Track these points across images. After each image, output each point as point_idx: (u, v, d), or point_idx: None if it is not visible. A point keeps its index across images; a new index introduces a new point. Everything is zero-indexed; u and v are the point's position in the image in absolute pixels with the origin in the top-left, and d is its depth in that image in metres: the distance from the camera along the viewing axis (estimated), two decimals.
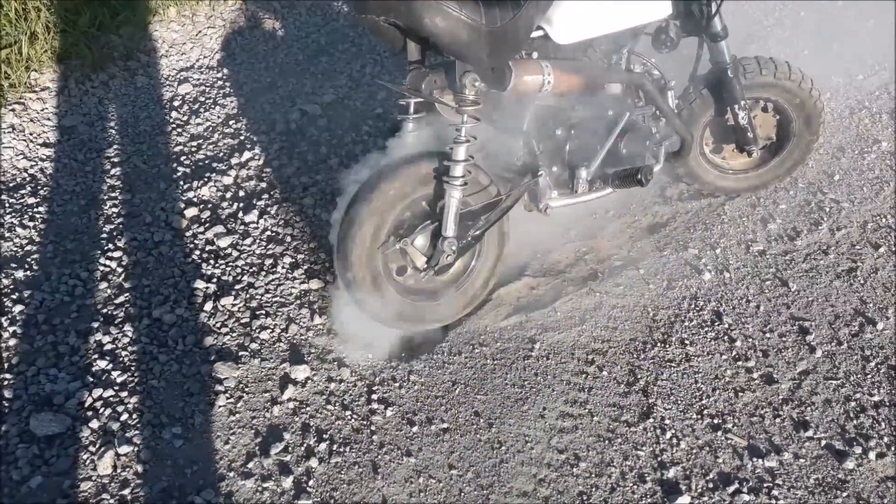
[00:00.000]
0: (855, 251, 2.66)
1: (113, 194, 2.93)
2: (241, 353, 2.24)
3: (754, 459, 2.00)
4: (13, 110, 3.37)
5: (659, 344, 2.34)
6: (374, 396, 2.14)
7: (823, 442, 2.05)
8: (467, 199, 2.20)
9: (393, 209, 2.13)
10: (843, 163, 3.04)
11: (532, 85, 2.05)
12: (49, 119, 3.36)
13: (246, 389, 2.13)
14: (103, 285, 2.49)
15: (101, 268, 2.56)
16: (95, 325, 2.32)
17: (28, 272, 2.53)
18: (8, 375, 2.14)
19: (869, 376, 2.24)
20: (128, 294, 2.45)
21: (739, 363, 2.28)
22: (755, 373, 2.25)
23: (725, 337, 2.37)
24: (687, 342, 2.35)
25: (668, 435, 2.06)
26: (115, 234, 2.71)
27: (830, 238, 2.72)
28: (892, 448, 2.03)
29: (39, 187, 2.97)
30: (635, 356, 2.30)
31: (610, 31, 2.18)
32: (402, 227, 2.21)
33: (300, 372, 2.18)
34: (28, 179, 3.01)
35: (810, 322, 2.41)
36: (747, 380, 2.23)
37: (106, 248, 2.64)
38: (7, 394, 2.09)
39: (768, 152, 2.81)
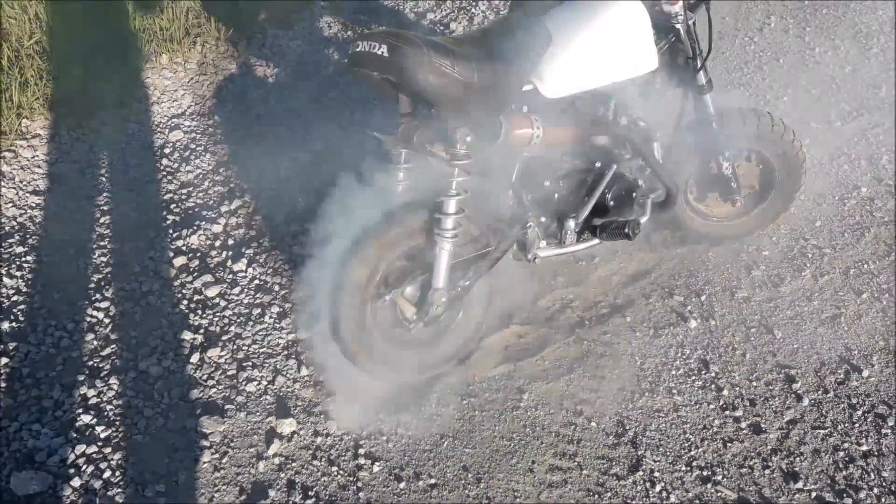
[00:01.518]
0: (838, 297, 2.69)
1: (102, 243, 2.93)
2: (226, 407, 2.23)
3: None
4: (3, 158, 3.39)
5: (647, 393, 2.34)
6: (361, 451, 2.13)
7: (814, 493, 2.05)
8: (457, 251, 2.21)
9: (383, 261, 2.14)
10: (825, 209, 3.08)
11: (522, 138, 2.09)
12: (39, 167, 3.37)
13: (231, 444, 2.12)
14: (90, 337, 2.48)
15: (89, 319, 2.55)
16: (81, 378, 2.30)
17: (14, 324, 2.52)
18: None
19: (856, 425, 2.25)
20: (114, 346, 2.44)
21: (727, 412, 2.29)
22: (743, 422, 2.26)
23: (713, 385, 2.37)
24: (674, 391, 2.35)
25: (658, 488, 2.05)
26: (103, 283, 2.71)
27: (814, 284, 2.75)
28: (882, 499, 2.03)
29: (28, 236, 2.97)
30: (623, 406, 2.30)
31: (598, 86, 2.22)
32: (392, 279, 2.22)
33: (286, 426, 2.17)
34: (17, 228, 3.01)
35: (796, 370, 2.43)
36: (735, 430, 2.24)
37: (94, 298, 2.64)
38: None
39: (752, 201, 2.85)
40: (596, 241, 2.44)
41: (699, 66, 2.42)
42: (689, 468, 2.11)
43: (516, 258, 2.42)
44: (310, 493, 2.00)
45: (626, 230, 2.32)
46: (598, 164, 2.39)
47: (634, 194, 2.46)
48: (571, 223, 2.38)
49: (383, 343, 2.22)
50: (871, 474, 2.10)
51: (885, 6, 4.47)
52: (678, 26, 2.36)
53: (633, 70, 2.25)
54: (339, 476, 2.06)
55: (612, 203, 2.44)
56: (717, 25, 2.33)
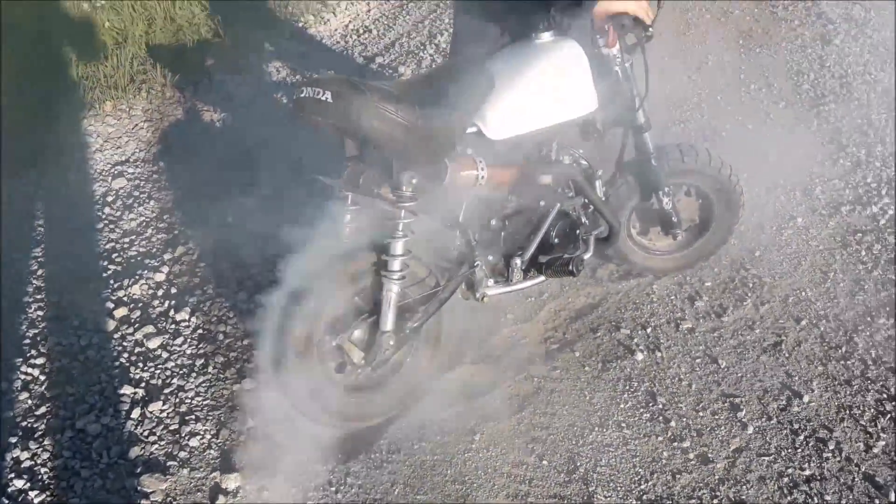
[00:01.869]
0: (779, 325, 2.76)
1: (39, 296, 2.86)
2: (169, 463, 2.17)
3: None
4: None
5: (597, 428, 2.35)
6: (310, 503, 2.09)
7: None
8: (405, 292, 2.21)
9: (329, 305, 2.12)
10: (763, 239, 3.17)
11: (467, 180, 2.11)
12: None
13: (174, 503, 2.05)
14: (24, 396, 2.40)
15: (23, 377, 2.47)
16: (14, 440, 2.21)
17: None
18: None
19: (799, 450, 2.29)
20: (50, 404, 2.36)
21: (675, 444, 2.31)
22: (691, 453, 2.28)
23: (660, 417, 2.40)
24: (624, 425, 2.37)
25: None
26: (39, 339, 2.63)
27: (755, 313, 2.81)
28: None
29: None
30: (574, 442, 2.31)
31: (540, 127, 2.26)
32: (338, 323, 2.20)
33: (231, 481, 2.11)
34: None
35: (741, 398, 2.47)
36: (684, 461, 2.26)
37: (28, 355, 2.56)
38: None
39: (693, 234, 2.92)
40: (542, 277, 2.47)
41: (637, 105, 2.49)
42: (639, 501, 2.12)
43: (465, 297, 2.43)
44: None
45: (571, 267, 2.36)
46: (542, 203, 2.43)
47: (578, 231, 2.50)
48: (518, 261, 2.40)
49: (331, 390, 2.19)
50: (815, 498, 2.13)
51: (813, 45, 4.68)
52: (616, 68, 2.43)
53: (574, 111, 2.30)
54: None
55: (556, 240, 2.48)
56: (657, 65, 2.41)
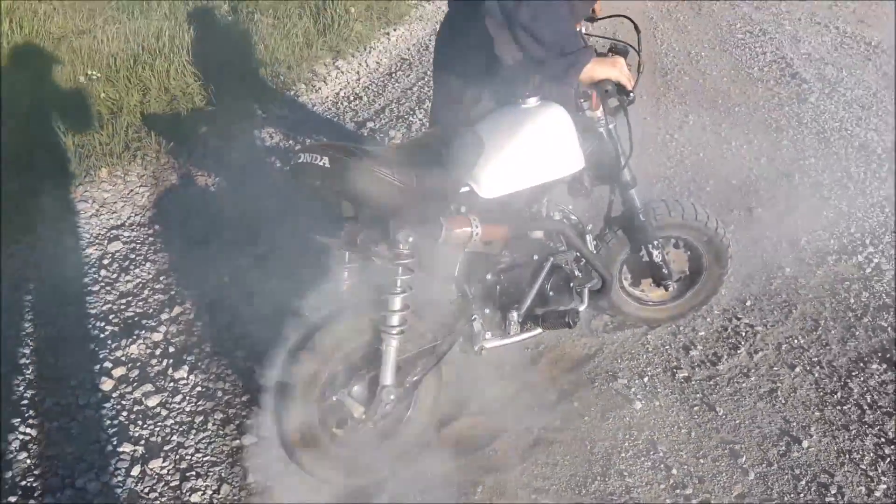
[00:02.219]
0: (773, 372, 2.80)
1: (35, 358, 2.85)
2: None
3: None
4: None
5: (599, 477, 2.35)
6: None
7: None
8: (404, 346, 2.24)
9: (329, 362, 2.14)
10: (753, 289, 3.24)
11: (462, 237, 2.17)
12: None
13: None
14: (22, 455, 2.37)
15: (21, 437, 2.45)
16: (13, 500, 2.18)
17: None
18: None
19: (801, 495, 2.29)
20: (49, 463, 2.34)
21: (678, 491, 2.31)
22: (694, 500, 2.28)
23: (662, 465, 2.40)
24: (626, 473, 2.37)
25: None
26: (37, 399, 2.61)
27: (749, 361, 2.85)
28: None
29: None
30: (577, 492, 2.30)
31: (529, 186, 2.33)
32: (338, 379, 2.22)
33: None
34: None
35: (740, 445, 2.48)
36: None
37: (27, 415, 2.54)
38: None
39: (684, 285, 2.97)
40: (539, 330, 2.50)
41: (623, 164, 2.57)
42: None
43: (463, 350, 2.45)
44: None
45: (566, 319, 2.40)
46: (535, 257, 2.49)
47: (571, 284, 2.55)
48: (514, 314, 2.44)
49: (332, 446, 2.20)
50: None
51: (790, 103, 4.87)
52: (601, 130, 2.53)
53: (561, 171, 2.38)
54: None
55: (551, 293, 2.52)
56: (639, 125, 2.51)
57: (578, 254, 2.55)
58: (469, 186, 2.24)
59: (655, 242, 2.76)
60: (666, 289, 2.91)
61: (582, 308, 2.55)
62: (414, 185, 2.00)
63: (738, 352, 2.89)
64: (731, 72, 5.43)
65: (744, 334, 2.99)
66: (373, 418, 2.21)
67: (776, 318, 3.07)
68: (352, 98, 5.26)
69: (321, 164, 1.94)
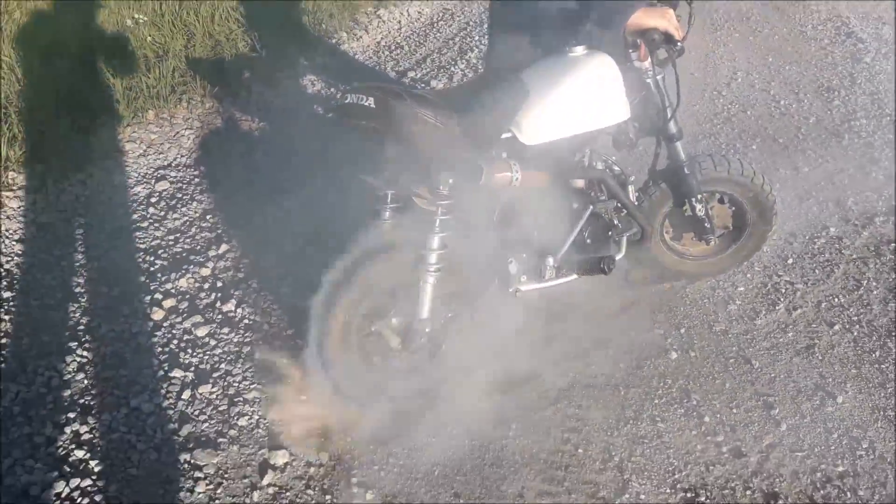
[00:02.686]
0: (812, 329, 2.80)
1: (90, 287, 2.97)
2: (219, 440, 2.25)
3: None
4: None
5: (631, 421, 2.40)
6: (354, 480, 2.16)
7: None
8: (441, 284, 2.30)
9: (370, 294, 2.23)
10: (796, 247, 3.22)
11: (501, 181, 2.20)
12: (25, 216, 3.41)
13: (225, 475, 2.13)
14: (80, 376, 2.50)
15: (78, 359, 2.57)
16: (73, 415, 2.31)
17: (3, 365, 2.53)
18: None
19: (832, 448, 2.32)
20: (105, 384, 2.46)
21: (709, 438, 2.35)
22: (724, 447, 2.32)
23: (694, 413, 2.44)
24: (658, 419, 2.41)
25: None
26: (92, 326, 2.73)
27: (788, 317, 2.85)
28: None
29: (15, 282, 2.99)
30: (609, 434, 2.36)
31: (572, 134, 2.34)
32: (378, 311, 2.30)
33: (279, 457, 2.19)
34: (4, 274, 3.03)
35: (774, 397, 2.51)
36: (717, 454, 2.30)
37: (83, 340, 2.66)
38: None
39: (726, 240, 2.96)
40: (574, 276, 2.53)
41: (669, 116, 2.56)
42: (673, 490, 2.16)
43: (499, 292, 2.50)
44: None
45: (602, 266, 2.43)
46: (575, 206, 2.51)
47: (610, 233, 2.57)
48: (551, 259, 2.48)
49: (369, 373, 2.29)
50: (848, 493, 2.16)
51: (843, 63, 4.74)
52: (648, 81, 2.51)
53: (606, 120, 2.38)
54: None
55: (589, 241, 2.55)
56: (687, 80, 2.49)
57: (619, 204, 2.56)
58: (511, 133, 2.26)
59: (699, 196, 2.74)
60: (707, 243, 2.90)
61: (619, 256, 2.57)
62: (456, 128, 2.04)
63: (777, 308, 2.89)
64: (784, 29, 5.28)
65: (783, 291, 2.98)
66: (408, 349, 2.30)
67: (817, 277, 3.05)
68: (393, 47, 5.24)
69: (366, 104, 1.99)
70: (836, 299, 2.94)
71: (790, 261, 3.15)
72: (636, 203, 2.64)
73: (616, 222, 2.60)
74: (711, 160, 2.75)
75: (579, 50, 2.33)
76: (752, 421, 2.42)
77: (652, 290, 2.99)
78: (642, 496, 2.13)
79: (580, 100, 2.29)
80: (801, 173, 3.71)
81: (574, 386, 2.53)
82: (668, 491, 2.16)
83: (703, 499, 2.13)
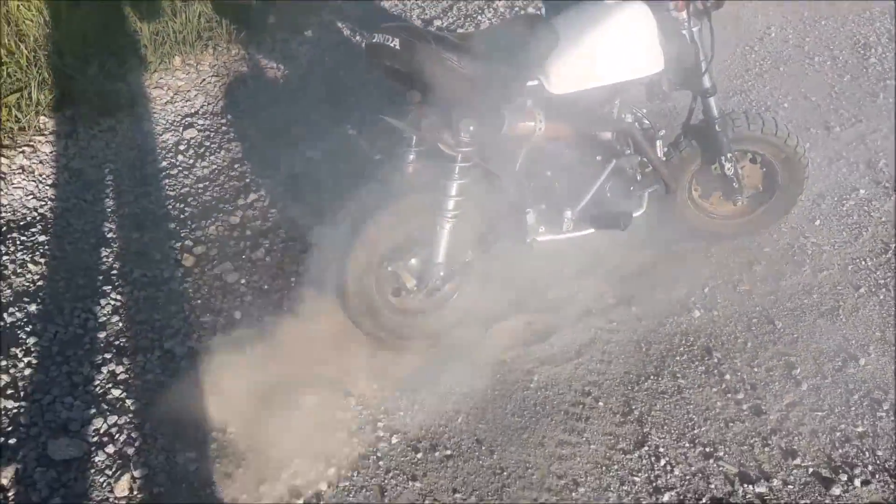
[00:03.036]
0: (837, 291, 2.79)
1: (122, 233, 3.02)
2: None
3: (745, 485, 2.08)
4: (23, 152, 3.47)
5: (652, 377, 2.44)
6: (380, 424, 2.22)
7: (811, 469, 2.14)
8: (457, 230, 2.33)
9: (389, 235, 2.29)
10: (824, 209, 3.19)
11: (524, 130, 2.20)
12: (58, 161, 3.46)
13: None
14: (115, 319, 2.57)
15: (113, 303, 2.64)
16: (108, 356, 2.39)
17: (41, 306, 2.61)
18: (24, 403, 2.20)
19: (853, 408, 2.34)
20: (139, 327, 2.53)
21: (729, 395, 2.38)
22: (744, 404, 2.35)
23: (715, 371, 2.47)
24: (679, 375, 2.45)
25: (663, 462, 2.14)
26: (125, 270, 2.80)
27: (813, 279, 2.85)
28: (877, 476, 2.12)
29: (49, 226, 3.05)
30: (629, 388, 2.40)
31: (602, 84, 2.32)
32: (397, 251, 2.36)
33: (308, 400, 2.25)
34: (38, 218, 3.10)
35: (796, 357, 2.52)
36: (737, 411, 2.33)
37: (116, 284, 2.73)
38: (24, 420, 2.15)
39: (755, 201, 2.93)
40: (591, 229, 2.54)
41: (704, 69, 2.52)
42: (692, 445, 2.20)
43: (515, 242, 2.52)
44: (332, 461, 2.09)
45: (619, 220, 2.44)
46: (598, 158, 2.50)
47: (632, 188, 2.57)
48: (569, 212, 2.48)
49: (386, 310, 2.37)
50: (867, 453, 2.19)
51: (882, 18, 4.61)
52: (684, 32, 2.47)
53: (638, 71, 2.35)
54: (360, 447, 2.15)
55: (609, 194, 2.55)
56: (719, 34, 2.45)
57: (645, 159, 2.55)
58: (538, 80, 2.24)
59: (729, 155, 2.71)
60: (735, 203, 2.88)
61: (640, 213, 2.57)
62: (480, 74, 2.03)
63: (803, 269, 2.89)
64: None
65: (810, 253, 2.97)
66: (423, 290, 2.36)
67: (845, 239, 3.03)
68: None
69: (392, 45, 2.00)
70: (863, 262, 2.93)
71: (818, 222, 3.12)
72: (664, 159, 2.62)
73: (639, 177, 2.59)
74: (745, 118, 2.71)
75: None
76: (772, 380, 2.44)
77: (677, 248, 2.99)
78: (661, 449, 2.18)
79: (612, 49, 2.26)
80: (832, 133, 3.65)
81: (596, 341, 2.56)
82: (687, 445, 2.20)
83: (721, 454, 2.17)
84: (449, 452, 2.15)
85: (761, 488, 2.07)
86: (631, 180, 2.57)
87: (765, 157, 2.81)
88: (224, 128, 3.79)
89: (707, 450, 2.19)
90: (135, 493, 1.96)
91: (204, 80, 4.18)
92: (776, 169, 2.83)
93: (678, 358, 2.51)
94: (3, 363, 2.37)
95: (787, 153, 2.76)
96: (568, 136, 2.38)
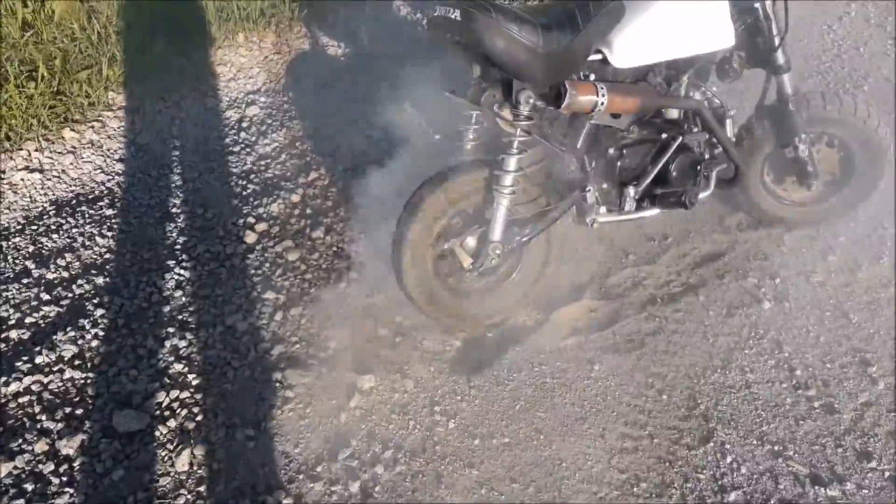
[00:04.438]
0: None
1: (186, 208, 3.07)
2: (310, 362, 2.33)
3: (816, 488, 1.99)
4: (92, 127, 3.56)
5: (719, 370, 2.35)
6: (437, 409, 2.20)
7: (887, 473, 2.04)
8: (516, 208, 2.29)
9: (445, 212, 2.26)
10: None
11: (586, 105, 2.12)
12: (125, 136, 3.53)
13: (314, 396, 2.21)
14: (178, 293, 2.61)
15: (176, 277, 2.69)
16: (172, 330, 2.43)
17: (108, 279, 2.67)
18: (91, 374, 2.25)
19: None
20: (202, 302, 2.57)
21: (800, 392, 2.28)
22: (816, 402, 2.25)
23: (786, 366, 2.37)
24: (747, 369, 2.36)
25: (729, 460, 2.07)
26: (189, 245, 2.84)
27: (891, 272, 2.70)
28: None
29: (116, 200, 3.12)
30: (695, 381, 2.32)
31: (669, 58, 2.24)
32: (453, 229, 2.33)
33: (366, 381, 2.26)
34: (106, 192, 3.17)
35: (872, 354, 2.40)
36: (808, 409, 2.23)
37: (180, 258, 2.77)
38: (90, 391, 2.20)
39: (831, 188, 2.79)
40: (655, 210, 2.45)
41: (777, 44, 2.40)
42: (760, 442, 2.12)
43: (576, 222, 2.45)
44: (389, 444, 2.08)
45: (684, 199, 2.34)
46: (664, 136, 2.40)
47: (699, 167, 2.46)
48: (631, 191, 2.40)
49: (441, 289, 2.35)
50: None
51: None
52: (757, 5, 2.35)
53: (708, 45, 2.25)
54: (417, 430, 2.13)
55: (674, 174, 2.45)
56: (795, 12, 2.32)
57: (713, 138, 2.44)
58: (601, 53, 2.16)
59: (804, 136, 2.58)
60: (809, 189, 2.75)
61: (706, 193, 2.46)
62: (540, 45, 1.97)
63: (881, 261, 2.74)
64: None
65: (888, 244, 2.81)
66: (479, 269, 2.32)
67: None
68: None
69: (453, 17, 1.96)
70: None
71: None
72: (734, 139, 2.51)
73: (706, 156, 2.49)
74: (822, 97, 2.58)
75: None
76: (846, 377, 2.33)
77: (747, 236, 2.87)
78: (727, 446, 2.10)
79: (680, 21, 2.17)
80: None
81: (661, 331, 2.49)
82: (755, 443, 2.12)
83: (791, 453, 2.09)
84: (507, 440, 2.12)
85: (833, 491, 1.98)
86: (698, 160, 2.46)
87: (843, 139, 2.67)
88: (286, 105, 3.81)
89: (776, 448, 2.10)
90: (195, 468, 1.98)
91: (266, 57, 4.20)
92: (854, 153, 2.68)
93: (747, 351, 2.42)
94: (72, 334, 2.43)
95: (867, 136, 2.60)
96: (631, 112, 2.29)
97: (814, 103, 2.57)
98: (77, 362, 2.33)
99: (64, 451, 2.05)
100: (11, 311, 2.52)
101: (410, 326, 2.40)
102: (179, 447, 2.03)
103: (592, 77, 2.21)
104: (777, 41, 2.39)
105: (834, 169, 2.78)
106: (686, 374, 2.34)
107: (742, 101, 2.61)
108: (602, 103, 2.13)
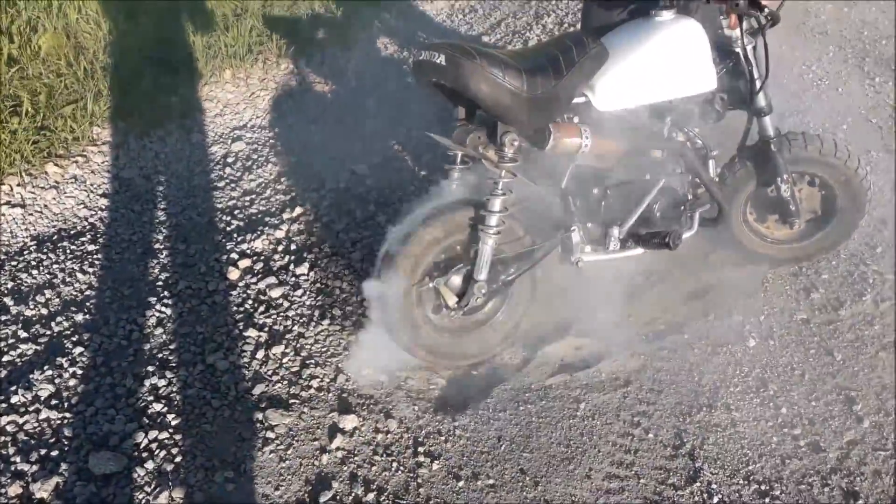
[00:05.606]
0: None
1: (168, 244, 3.04)
2: (291, 401, 2.29)
3: None
4: (76, 162, 3.54)
5: (705, 408, 2.34)
6: (421, 449, 2.17)
7: None
8: (501, 247, 2.30)
9: (430, 251, 2.26)
10: (886, 235, 3.05)
11: (570, 147, 2.16)
12: (109, 171, 3.51)
13: (295, 437, 2.17)
14: (159, 331, 2.57)
15: (157, 314, 2.65)
16: (151, 369, 2.39)
17: (87, 316, 2.63)
18: (68, 414, 2.20)
19: None
20: (182, 340, 2.53)
21: (786, 430, 2.27)
22: (802, 440, 2.24)
23: (771, 404, 2.36)
24: (733, 407, 2.35)
25: (716, 500, 2.05)
26: (170, 282, 2.81)
27: (875, 309, 2.72)
28: None
29: (98, 235, 3.09)
30: (681, 420, 2.30)
31: (652, 101, 2.28)
32: (438, 269, 2.33)
33: (348, 422, 2.22)
34: (88, 228, 3.14)
35: (857, 392, 2.40)
36: (794, 447, 2.22)
37: (162, 295, 2.73)
38: (67, 432, 2.15)
39: (813, 226, 2.81)
40: (639, 249, 2.49)
41: (758, 88, 2.44)
42: (747, 482, 2.10)
43: (561, 261, 2.46)
44: (371, 486, 2.04)
45: (668, 240, 2.39)
46: (647, 176, 2.44)
47: (682, 207, 2.50)
48: (616, 231, 2.43)
49: (426, 327, 2.33)
50: None
51: None
52: (737, 50, 2.40)
53: (690, 88, 2.29)
54: (400, 472, 2.09)
55: (658, 214, 2.49)
56: (775, 53, 2.37)
57: (696, 179, 2.48)
58: (585, 96, 2.20)
59: (785, 176, 2.62)
60: (792, 227, 2.77)
61: (690, 233, 2.50)
62: (524, 90, 2.00)
63: (864, 299, 2.76)
64: (882, 2, 4.97)
65: (871, 281, 2.84)
66: (464, 309, 2.32)
67: None
68: (467, 11, 5.15)
69: (437, 61, 1.99)
70: None
71: (879, 249, 2.99)
72: (717, 179, 2.55)
73: (689, 197, 2.52)
74: (803, 138, 2.62)
75: (666, 14, 2.25)
76: (832, 415, 2.32)
77: (731, 273, 2.88)
78: (714, 486, 2.08)
79: (662, 65, 2.22)
80: (893, 156, 3.51)
81: (646, 369, 2.48)
82: (742, 482, 2.10)
83: (777, 492, 2.07)
84: (492, 482, 2.08)
85: None
86: (681, 200, 2.50)
87: (823, 179, 2.71)
88: (271, 141, 3.81)
89: (763, 487, 2.08)
90: None
91: (253, 93, 4.22)
92: (835, 192, 2.71)
93: (732, 389, 2.41)
94: (49, 372, 2.38)
95: (847, 176, 2.65)
96: (615, 154, 2.32)
97: (795, 144, 2.61)
98: (54, 402, 2.28)
99: (38, 495, 1.99)
100: None
101: (395, 366, 2.37)
102: (157, 490, 1.98)
103: (577, 119, 2.24)
104: (758, 85, 2.43)
105: (816, 207, 2.81)
106: (672, 413, 2.32)
107: (724, 141, 2.63)
108: (586, 145, 2.17)
